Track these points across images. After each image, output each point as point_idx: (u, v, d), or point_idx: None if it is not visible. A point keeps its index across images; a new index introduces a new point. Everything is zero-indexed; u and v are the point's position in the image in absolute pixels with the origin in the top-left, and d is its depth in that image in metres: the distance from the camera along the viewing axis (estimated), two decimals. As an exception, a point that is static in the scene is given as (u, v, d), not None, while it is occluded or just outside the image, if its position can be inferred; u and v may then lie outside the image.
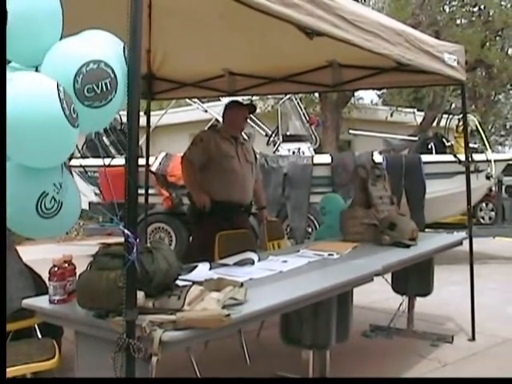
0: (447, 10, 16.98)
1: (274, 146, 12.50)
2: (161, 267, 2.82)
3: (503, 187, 13.35)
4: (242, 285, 3.16)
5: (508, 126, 29.15)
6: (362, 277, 4.12)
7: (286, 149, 12.18)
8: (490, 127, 25.33)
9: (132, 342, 2.49)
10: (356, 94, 18.92)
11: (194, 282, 3.08)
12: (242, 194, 5.68)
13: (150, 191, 7.87)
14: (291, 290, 3.59)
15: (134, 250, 2.50)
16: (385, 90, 26.56)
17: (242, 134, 6.07)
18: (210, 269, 4.06)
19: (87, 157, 10.80)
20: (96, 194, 10.94)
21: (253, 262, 4.32)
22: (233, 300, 2.98)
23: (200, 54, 5.79)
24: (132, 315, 2.53)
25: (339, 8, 3.79)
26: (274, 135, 12.73)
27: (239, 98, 6.60)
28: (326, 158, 10.75)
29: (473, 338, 5.89)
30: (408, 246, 5.23)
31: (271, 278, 3.88)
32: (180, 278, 3.11)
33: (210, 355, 4.97)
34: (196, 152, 5.58)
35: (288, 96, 12.72)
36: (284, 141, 12.47)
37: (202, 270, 3.94)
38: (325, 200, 6.47)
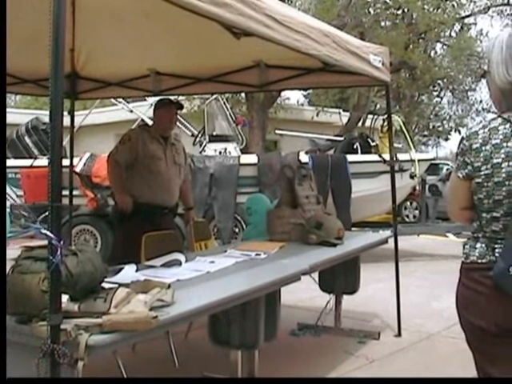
0: (372, 12, 17.27)
1: (201, 146, 12.45)
2: (86, 270, 2.77)
3: (427, 186, 13.62)
4: (169, 286, 3.13)
5: (431, 127, 29.81)
6: (289, 276, 4.14)
7: (212, 149, 12.14)
8: (413, 127, 25.87)
9: (57, 348, 2.43)
10: (282, 94, 19.03)
11: (120, 285, 3.03)
12: (166, 197, 5.63)
13: (75, 192, 7.72)
14: (219, 290, 3.58)
15: (58, 252, 2.44)
16: (311, 91, 26.84)
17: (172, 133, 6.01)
18: (137, 270, 4.00)
19: (8, 157, 10.53)
20: (18, 195, 10.67)
21: (180, 263, 4.28)
22: (160, 302, 2.94)
23: (125, 53, 5.71)
24: (56, 320, 2.47)
25: (268, 8, 3.78)
26: (200, 135, 12.68)
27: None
28: (252, 158, 10.75)
29: (399, 334, 5.99)
30: (334, 245, 5.27)
31: (199, 279, 3.86)
32: (106, 280, 3.06)
33: (137, 358, 4.91)
34: (123, 151, 5.51)
35: (214, 96, 12.70)
36: (210, 141, 12.44)
37: (129, 272, 3.89)
38: (251, 200, 6.48)
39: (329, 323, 6.00)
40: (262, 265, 4.47)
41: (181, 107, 5.96)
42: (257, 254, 4.75)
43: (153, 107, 5.85)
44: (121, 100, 12.75)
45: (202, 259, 4.55)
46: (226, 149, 12.14)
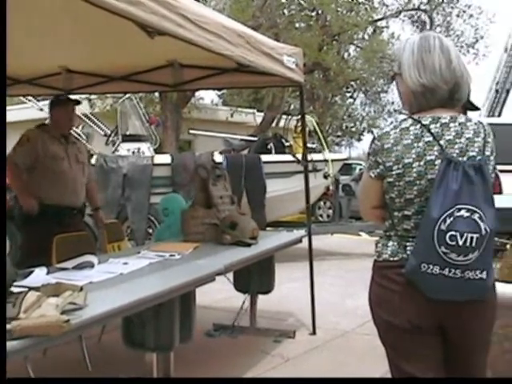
0: (287, 13, 17.41)
1: (113, 145, 12.28)
2: (-6, 273, 2.68)
3: (340, 186, 13.84)
4: (81, 289, 3.06)
5: (344, 127, 30.34)
6: (204, 276, 4.12)
7: (125, 149, 11.99)
8: (327, 128, 26.27)
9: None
10: (196, 94, 18.99)
11: (30, 288, 2.94)
12: (73, 197, 5.53)
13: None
14: (132, 292, 3.54)
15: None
16: (225, 91, 26.87)
17: (73, 132, 5.88)
18: (48, 273, 3.90)
19: None
20: None
21: (92, 265, 4.19)
22: (72, 305, 2.88)
23: (35, 49, 5.54)
24: (-39, 326, 2.38)
25: (182, 8, 3.76)
26: (113, 135, 12.50)
27: (77, 97, 6.41)
28: (166, 158, 10.67)
29: (313, 333, 6.05)
30: (249, 245, 5.28)
31: (112, 281, 3.80)
32: (15, 284, 2.97)
33: (49, 363, 4.79)
34: (22, 153, 5.35)
35: (127, 95, 12.55)
36: (123, 141, 12.28)
37: (39, 275, 3.78)
38: (166, 201, 6.42)
39: (244, 323, 6.01)
40: (177, 265, 4.43)
41: (77, 103, 5.84)
42: (171, 255, 4.71)
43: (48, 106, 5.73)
44: (30, 98, 12.42)
45: (115, 261, 4.48)
46: (139, 149, 12.01)
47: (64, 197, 5.40)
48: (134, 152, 11.79)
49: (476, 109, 3.86)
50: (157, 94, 15.80)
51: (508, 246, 4.58)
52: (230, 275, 5.55)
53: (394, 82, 2.77)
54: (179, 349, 4.08)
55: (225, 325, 6.06)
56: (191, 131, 14.28)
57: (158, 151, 12.60)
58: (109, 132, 12.65)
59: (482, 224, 2.39)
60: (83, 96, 6.17)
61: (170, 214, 6.15)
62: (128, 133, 12.72)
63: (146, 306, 3.52)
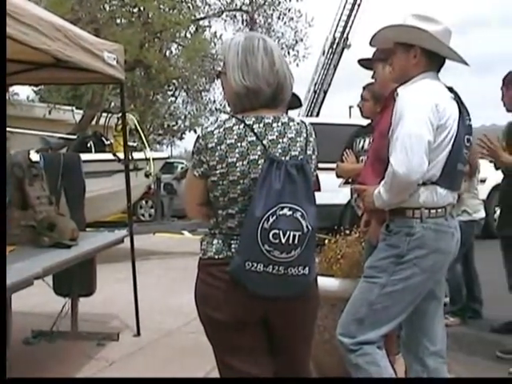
0: (108, 8, 17.09)
1: None
2: None
3: (162, 185, 13.80)
4: None
5: (166, 126, 30.29)
6: (20, 281, 3.92)
7: None
8: (148, 126, 26.11)
9: None
10: (11, 89, 18.19)
11: None
12: None
13: None
14: None
15: None
16: (42, 87, 26.00)
17: None
18: None
19: None
20: None
21: None
22: None
23: None
24: None
25: (-6, -4, 3.56)
26: None
27: None
28: (-22, 157, 10.11)
29: (138, 334, 5.99)
30: (69, 247, 5.11)
31: None
32: None
33: None
34: None
35: None
36: None
37: None
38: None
39: (66, 328, 5.81)
40: (-9, 271, 4.20)
41: None
42: (-16, 260, 4.46)
43: None
44: None
45: None
46: None
47: None
48: None
49: (300, 106, 4.02)
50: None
51: (326, 241, 4.75)
52: (49, 279, 5.36)
53: (219, 81, 2.78)
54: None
55: (44, 331, 5.83)
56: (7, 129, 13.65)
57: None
58: None
59: (303, 222, 2.44)
60: None
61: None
62: None
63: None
